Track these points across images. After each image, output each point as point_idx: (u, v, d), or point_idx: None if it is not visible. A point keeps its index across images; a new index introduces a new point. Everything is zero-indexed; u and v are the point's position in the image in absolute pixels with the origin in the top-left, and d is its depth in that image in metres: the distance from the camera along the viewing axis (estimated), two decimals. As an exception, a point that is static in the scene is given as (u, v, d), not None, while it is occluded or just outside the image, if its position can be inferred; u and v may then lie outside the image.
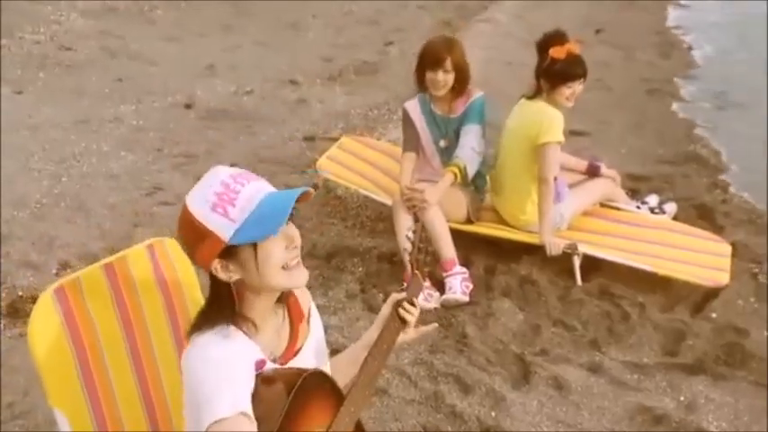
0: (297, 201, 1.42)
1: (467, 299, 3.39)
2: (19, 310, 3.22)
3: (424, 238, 1.80)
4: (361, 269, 3.65)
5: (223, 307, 1.47)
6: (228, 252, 1.42)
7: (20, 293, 3.32)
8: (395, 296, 1.70)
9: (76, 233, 3.87)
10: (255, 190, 1.41)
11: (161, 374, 1.84)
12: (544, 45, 3.55)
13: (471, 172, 3.58)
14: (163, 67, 6.61)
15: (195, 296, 1.95)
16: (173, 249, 1.96)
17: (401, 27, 8.26)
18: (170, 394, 1.84)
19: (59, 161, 4.67)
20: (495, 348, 3.09)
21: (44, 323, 1.68)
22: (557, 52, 3.49)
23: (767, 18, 7.35)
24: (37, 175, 4.46)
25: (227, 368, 1.40)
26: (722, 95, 6.29)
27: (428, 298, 3.36)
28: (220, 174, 1.43)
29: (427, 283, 3.39)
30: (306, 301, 1.66)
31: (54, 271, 3.54)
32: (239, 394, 1.38)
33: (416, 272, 1.75)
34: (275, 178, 4.58)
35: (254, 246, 1.41)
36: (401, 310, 1.66)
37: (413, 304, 1.68)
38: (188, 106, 5.75)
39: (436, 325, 1.87)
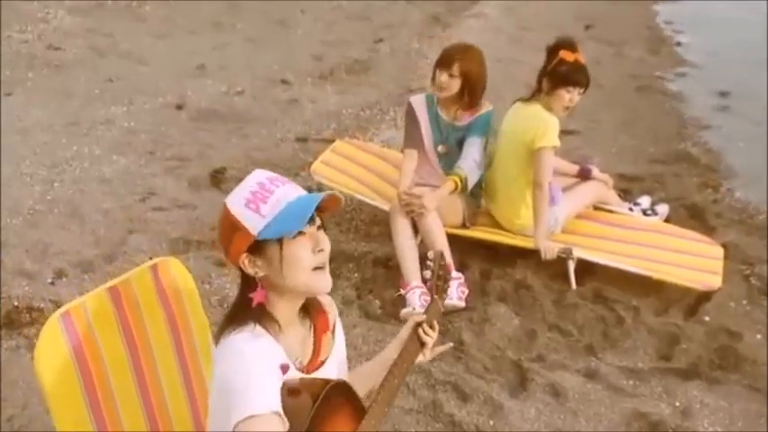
0: (327, 208, 1.54)
1: (463, 304, 3.41)
2: (15, 321, 3.21)
3: (442, 266, 1.83)
4: (356, 275, 3.67)
5: (250, 305, 1.54)
6: (257, 247, 1.51)
7: (15, 304, 3.31)
8: (415, 319, 1.74)
9: (71, 240, 3.86)
10: (288, 191, 1.51)
11: (166, 399, 1.85)
12: (555, 48, 3.57)
13: (471, 184, 3.59)
14: (153, 67, 6.58)
15: (199, 316, 1.96)
16: (176, 269, 1.97)
17: (391, 23, 8.25)
18: (175, 418, 1.86)
19: (51, 166, 4.64)
20: (492, 355, 3.12)
21: (51, 349, 1.69)
22: (567, 54, 3.52)
23: (767, 18, 7.37)
24: (29, 181, 4.43)
25: (259, 365, 1.46)
26: (713, 92, 6.33)
27: (424, 304, 3.37)
28: (259, 176, 1.55)
29: (423, 289, 3.41)
30: (332, 313, 1.71)
31: (49, 280, 3.52)
32: (271, 393, 1.44)
33: (436, 297, 1.79)
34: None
35: (281, 244, 1.49)
36: (421, 333, 1.70)
37: (432, 327, 1.72)
38: (179, 107, 5.73)
39: (451, 344, 1.91)
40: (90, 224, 4.02)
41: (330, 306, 1.71)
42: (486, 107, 3.62)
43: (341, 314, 3.31)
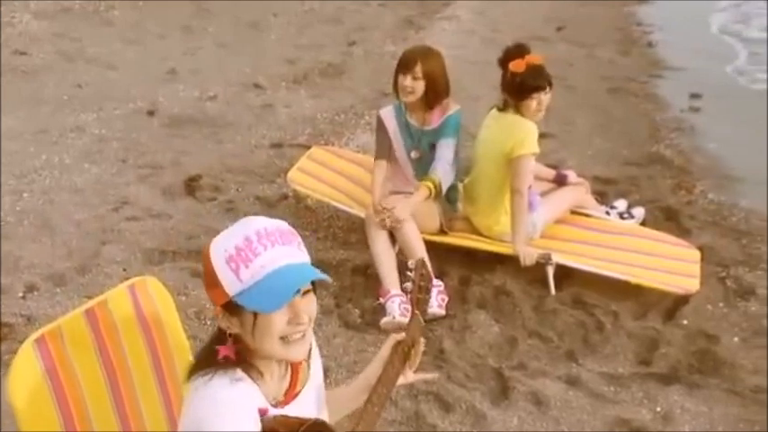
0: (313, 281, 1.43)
1: (443, 312, 3.40)
2: (-14, 339, 3.13)
3: (423, 276, 1.78)
4: (335, 283, 3.63)
5: (216, 355, 1.46)
6: (232, 307, 1.42)
7: (-14, 320, 3.23)
8: (394, 337, 1.69)
9: (42, 252, 3.78)
10: (274, 257, 1.39)
11: (146, 423, 1.81)
12: (504, 60, 3.57)
13: (445, 186, 3.59)
14: (123, 72, 6.47)
15: (179, 337, 1.92)
16: (154, 288, 1.92)
17: (363, 26, 8.21)
18: (156, 442, 1.81)
19: (20, 175, 4.54)
20: (474, 363, 3.10)
21: (25, 375, 1.64)
22: (516, 66, 3.50)
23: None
24: (-3, 191, 4.34)
25: (236, 412, 1.39)
26: (685, 94, 6.38)
27: (404, 312, 3.35)
28: (249, 227, 1.42)
29: (403, 297, 3.39)
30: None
31: (20, 294, 3.44)
32: None
33: (416, 312, 1.73)
34: (244, 188, 4.53)
35: (255, 313, 1.40)
36: (401, 352, 1.65)
37: (415, 344, 1.67)
38: (151, 113, 5.64)
39: (437, 375, 1.85)
40: (61, 235, 3.93)
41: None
42: (453, 107, 3.61)
43: (319, 324, 3.33)
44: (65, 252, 3.80)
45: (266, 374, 1.49)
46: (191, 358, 1.91)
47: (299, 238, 1.49)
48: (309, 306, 1.45)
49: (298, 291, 1.41)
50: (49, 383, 1.65)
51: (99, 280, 3.57)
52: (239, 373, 1.45)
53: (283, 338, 1.43)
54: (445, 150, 3.57)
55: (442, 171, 3.55)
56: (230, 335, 1.45)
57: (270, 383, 1.51)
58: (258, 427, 1.42)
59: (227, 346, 1.45)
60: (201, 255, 1.46)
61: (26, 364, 1.64)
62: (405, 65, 3.54)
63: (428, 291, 1.79)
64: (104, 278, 3.58)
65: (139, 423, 1.80)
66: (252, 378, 1.46)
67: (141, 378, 1.81)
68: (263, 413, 1.45)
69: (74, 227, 4.02)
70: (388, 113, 3.74)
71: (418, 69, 3.50)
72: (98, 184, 4.51)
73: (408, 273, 1.78)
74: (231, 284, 1.39)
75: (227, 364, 1.45)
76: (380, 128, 3.76)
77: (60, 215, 4.12)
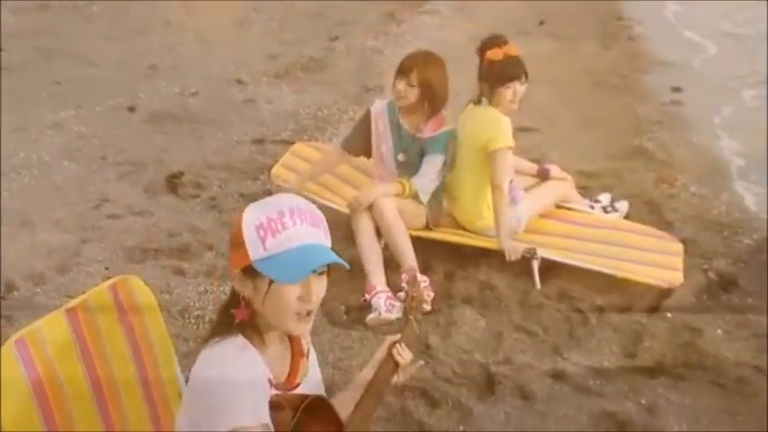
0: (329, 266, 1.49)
1: (429, 307, 3.33)
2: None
3: (417, 283, 1.80)
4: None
5: (233, 320, 1.52)
6: (251, 271, 1.48)
7: (-36, 321, 3.18)
8: (390, 339, 1.72)
9: (21, 251, 3.72)
10: (300, 234, 1.46)
11: (130, 423, 1.78)
12: (482, 49, 3.58)
13: (424, 199, 3.58)
14: (102, 68, 6.40)
15: (162, 336, 1.90)
16: (136, 287, 1.90)
17: (345, 20, 8.17)
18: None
19: (-2, 174, 4.48)
20: (460, 359, 3.10)
21: (6, 378, 1.60)
22: (493, 54, 3.53)
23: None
24: (-25, 190, 4.27)
25: (247, 376, 1.44)
26: (666, 87, 6.42)
27: (390, 309, 3.34)
28: (284, 201, 1.50)
29: (388, 293, 3.38)
30: (306, 339, 1.68)
31: None
32: (260, 404, 1.43)
33: (411, 318, 1.76)
34: (227, 185, 4.49)
35: (270, 281, 1.46)
36: (395, 353, 1.66)
37: (410, 347, 1.70)
38: (131, 110, 5.58)
39: (422, 362, 1.87)
40: (41, 234, 3.88)
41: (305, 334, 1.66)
42: (448, 124, 3.59)
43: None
44: (45, 251, 3.75)
45: (270, 346, 1.54)
46: (174, 357, 1.90)
47: (326, 224, 1.54)
48: (321, 287, 1.51)
49: (314, 270, 1.47)
50: (30, 385, 1.62)
51: (80, 279, 3.52)
52: (243, 340, 1.49)
53: (290, 312, 1.48)
54: (431, 168, 3.56)
55: (422, 186, 3.55)
56: (243, 298, 1.51)
57: (272, 357, 1.54)
58: (268, 394, 1.46)
59: (241, 309, 1.51)
60: (231, 220, 1.58)
61: (7, 366, 1.61)
62: (402, 69, 3.53)
63: (421, 301, 1.83)
64: (86, 277, 3.53)
65: (123, 423, 1.77)
66: (256, 347, 1.50)
67: (124, 378, 1.79)
68: (271, 384, 1.50)
69: (53, 225, 3.97)
70: (379, 110, 3.71)
71: (414, 76, 3.48)
72: (78, 182, 4.46)
73: (403, 284, 1.81)
74: (256, 250, 1.45)
75: (235, 329, 1.50)
76: (363, 122, 3.75)
77: (39, 213, 4.07)
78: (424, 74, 3.48)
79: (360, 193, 3.54)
